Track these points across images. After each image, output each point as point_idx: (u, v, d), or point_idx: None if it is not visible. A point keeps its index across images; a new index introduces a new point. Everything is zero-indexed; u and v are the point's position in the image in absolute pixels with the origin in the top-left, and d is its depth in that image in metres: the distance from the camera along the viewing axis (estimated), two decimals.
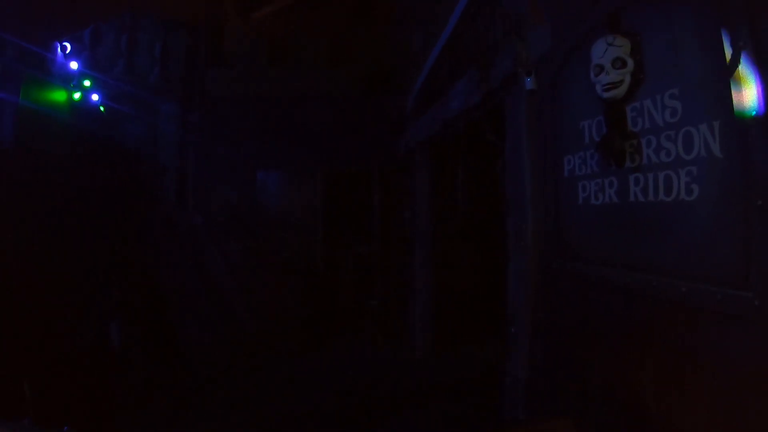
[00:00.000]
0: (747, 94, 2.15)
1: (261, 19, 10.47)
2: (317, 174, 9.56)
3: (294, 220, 9.45)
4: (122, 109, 8.72)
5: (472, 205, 7.61)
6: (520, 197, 4.05)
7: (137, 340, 6.50)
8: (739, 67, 2.18)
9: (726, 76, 2.24)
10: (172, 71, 9.52)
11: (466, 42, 5.70)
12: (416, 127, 7.54)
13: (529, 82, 3.95)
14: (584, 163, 3.39)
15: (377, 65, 9.87)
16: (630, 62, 2.87)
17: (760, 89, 2.11)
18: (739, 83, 2.19)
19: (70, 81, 6.11)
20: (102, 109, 7.17)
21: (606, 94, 3.02)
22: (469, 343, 8.02)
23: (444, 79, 6.15)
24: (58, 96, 5.90)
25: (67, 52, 6.21)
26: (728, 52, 2.23)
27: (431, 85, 6.76)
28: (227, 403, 6.27)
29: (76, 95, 6.33)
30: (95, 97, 6.97)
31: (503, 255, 4.57)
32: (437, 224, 7.80)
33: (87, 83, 6.65)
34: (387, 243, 9.44)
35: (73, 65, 6.25)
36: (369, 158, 9.59)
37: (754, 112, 2.12)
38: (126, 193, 8.09)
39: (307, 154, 9.52)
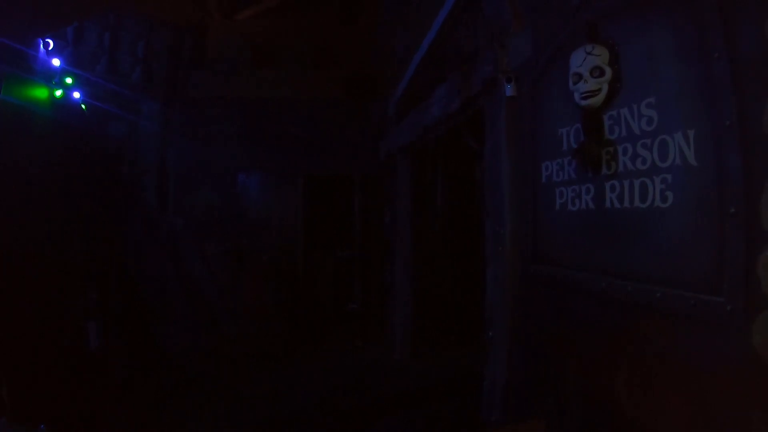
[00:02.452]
0: (720, 104, 2.20)
1: (245, 21, 10.44)
2: (299, 177, 9.55)
3: (275, 224, 9.43)
4: (104, 108, 8.63)
5: (452, 210, 7.65)
6: (498, 202, 4.08)
7: (116, 341, 6.45)
8: (713, 77, 2.23)
9: (701, 86, 2.30)
10: (155, 71, 9.46)
11: (447, 48, 5.75)
12: (398, 133, 7.57)
13: (509, 89, 3.99)
14: (562, 169, 3.43)
15: (361, 70, 9.90)
16: (608, 71, 2.91)
17: (732, 99, 2.16)
18: (713, 93, 2.24)
19: (52, 78, 6.02)
20: (84, 107, 7.08)
21: (584, 102, 3.07)
22: (449, 347, 8.07)
23: (425, 85, 6.18)
24: (40, 93, 5.82)
25: (50, 48, 6.12)
26: (702, 63, 2.28)
27: (413, 91, 6.80)
28: (204, 407, 6.23)
29: (58, 92, 6.23)
30: (76, 94, 6.88)
31: (482, 260, 4.60)
32: (417, 229, 7.83)
33: (69, 80, 6.56)
34: (367, 247, 9.47)
35: (56, 62, 6.15)
36: (351, 162, 9.61)
37: (727, 122, 2.17)
38: (107, 193, 8.03)
39: (289, 157, 9.51)
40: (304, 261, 9.46)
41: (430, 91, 5.76)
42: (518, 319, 3.97)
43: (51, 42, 6.12)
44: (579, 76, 3.11)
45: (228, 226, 9.16)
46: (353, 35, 10.22)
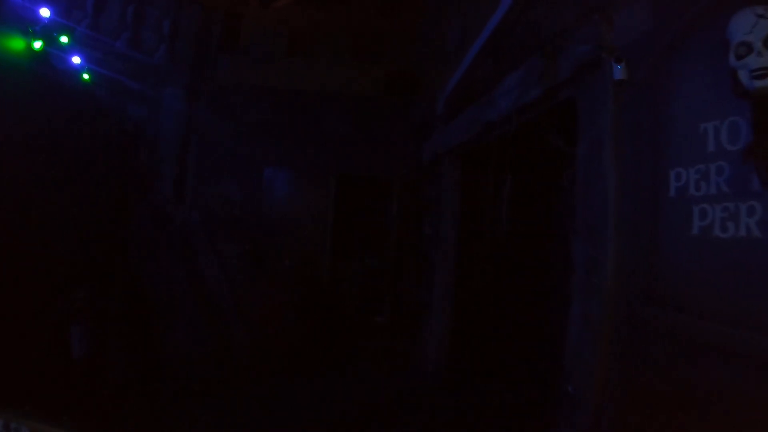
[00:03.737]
0: None
1: (282, 9, 9.60)
2: (330, 177, 8.65)
3: (301, 226, 8.51)
4: (123, 86, 7.88)
5: (514, 224, 6.63)
6: (597, 220, 3.11)
7: (111, 347, 5.62)
8: None
9: None
10: (180, 52, 8.67)
11: (519, 31, 4.78)
12: (446, 133, 6.63)
13: (619, 71, 3.03)
14: (705, 179, 2.46)
15: (403, 64, 8.99)
16: None
17: None
18: None
19: (31, 27, 5.06)
20: (87, 77, 6.22)
21: (758, 83, 2.12)
22: (491, 376, 7.06)
23: (486, 77, 5.23)
24: (13, 44, 4.88)
25: None
26: None
27: (468, 85, 5.85)
28: (204, 423, 5.37)
29: (37, 44, 5.24)
30: (77, 60, 6.00)
31: (551, 285, 3.65)
32: (465, 242, 6.87)
33: (64, 39, 5.66)
34: (401, 258, 8.52)
35: (44, 12, 5.21)
36: (388, 165, 8.69)
37: None
38: (115, 180, 7.24)
39: (320, 154, 8.62)
40: (330, 268, 8.54)
41: (494, 83, 4.82)
42: (614, 377, 3.00)
43: None
44: (748, 47, 2.18)
45: (248, 225, 8.27)
46: (395, 29, 9.30)
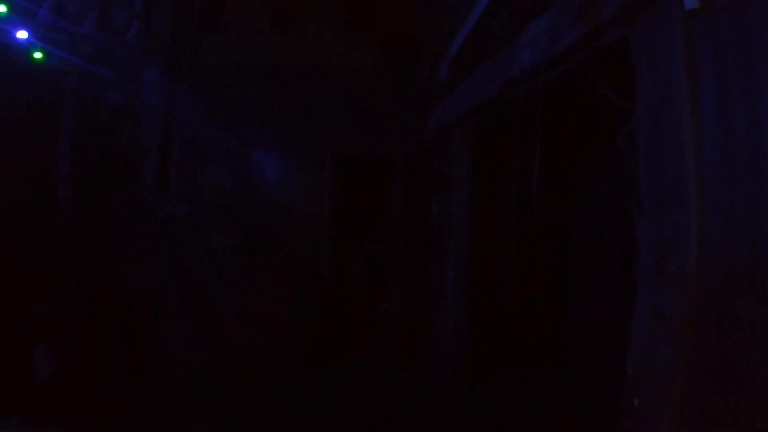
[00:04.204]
0: None
1: None
2: (326, 157, 7.93)
3: (297, 211, 7.82)
4: (93, 71, 7.17)
5: (547, 201, 5.92)
6: (670, 190, 2.42)
7: (86, 362, 4.99)
8: None
9: None
10: (157, 29, 7.91)
11: None
12: (454, 99, 5.92)
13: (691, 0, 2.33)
14: None
15: (403, 28, 8.26)
16: None
17: None
18: None
19: None
20: (39, 56, 5.48)
21: None
22: (514, 371, 6.45)
23: (502, 28, 4.50)
24: None
25: None
26: None
27: (478, 42, 5.11)
28: None
29: None
30: (22, 34, 5.26)
31: (597, 272, 2.98)
32: (480, 224, 6.20)
33: (1, 8, 4.92)
34: (409, 241, 7.84)
35: None
36: (389, 140, 7.97)
37: None
38: (89, 173, 6.56)
39: (315, 133, 7.91)
40: (332, 256, 7.85)
41: (513, 33, 4.10)
42: (698, 388, 2.34)
43: None
44: None
45: (240, 214, 7.58)
46: None
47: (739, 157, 2.12)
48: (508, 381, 6.31)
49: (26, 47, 5.35)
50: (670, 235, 2.39)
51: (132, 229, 6.77)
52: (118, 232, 6.70)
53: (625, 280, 2.88)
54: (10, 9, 4.87)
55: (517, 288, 6.37)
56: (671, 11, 2.43)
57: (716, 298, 2.22)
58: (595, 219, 5.93)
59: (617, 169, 3.18)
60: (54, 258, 5.28)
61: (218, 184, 7.60)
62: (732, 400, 2.18)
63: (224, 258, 7.07)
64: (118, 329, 5.86)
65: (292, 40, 8.32)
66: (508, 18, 4.39)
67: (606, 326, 5.45)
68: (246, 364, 6.57)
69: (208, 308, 6.78)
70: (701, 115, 2.29)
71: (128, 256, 6.55)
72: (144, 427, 5.01)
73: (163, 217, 7.11)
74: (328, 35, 8.34)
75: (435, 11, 7.08)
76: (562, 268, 6.27)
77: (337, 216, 7.93)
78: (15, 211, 4.59)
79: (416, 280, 7.56)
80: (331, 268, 7.77)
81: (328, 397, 6.04)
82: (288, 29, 8.43)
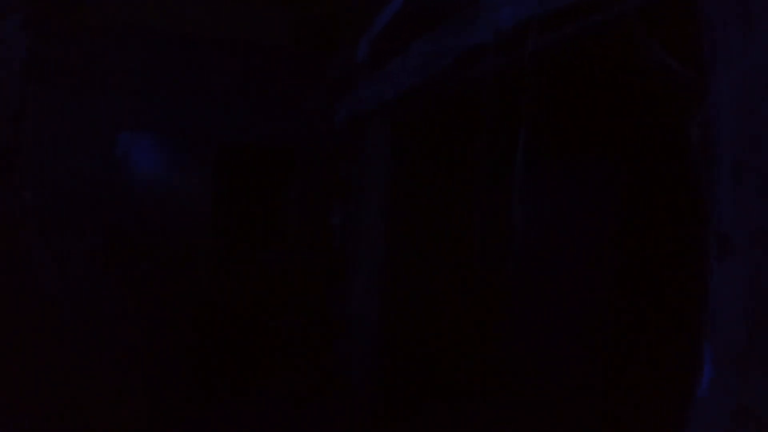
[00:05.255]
0: None
1: None
2: (212, 147, 6.59)
3: (172, 212, 6.40)
4: None
5: (492, 197, 4.86)
6: None
7: None
8: None
9: None
10: None
11: None
12: (376, 83, 4.83)
13: None
14: None
15: (321, 8, 7.09)
16: None
17: None
18: None
19: None
20: None
21: None
22: (445, 401, 5.46)
23: None
24: None
25: None
26: None
27: (421, 9, 4.03)
28: None
29: None
30: None
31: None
32: (400, 234, 5.15)
33: None
34: (306, 254, 6.67)
35: None
36: (290, 134, 6.79)
37: None
38: None
39: (201, 118, 6.56)
40: (215, 268, 6.48)
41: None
42: None
43: None
44: None
45: (99, 212, 6.09)
46: None
47: None
48: (437, 413, 5.32)
49: None
50: None
51: None
52: None
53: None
54: None
55: (449, 308, 5.38)
56: None
57: None
58: (549, 231, 5.05)
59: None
60: None
61: (76, 171, 6.05)
62: None
63: (78, 267, 5.58)
64: None
65: (191, 4, 6.97)
66: None
67: (555, 350, 4.61)
68: (97, 402, 5.13)
69: (55, 332, 5.27)
70: None
71: None
72: None
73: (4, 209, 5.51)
74: (234, 4, 7.07)
75: None
76: (505, 286, 5.34)
77: (222, 219, 6.58)
78: None
79: (318, 300, 6.42)
80: (215, 282, 6.41)
81: None
82: None
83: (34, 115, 6.23)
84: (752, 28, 1.58)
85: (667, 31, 2.01)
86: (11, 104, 6.18)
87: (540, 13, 2.39)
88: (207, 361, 5.84)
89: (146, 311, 5.66)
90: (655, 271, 3.60)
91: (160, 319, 5.67)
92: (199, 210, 6.51)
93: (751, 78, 1.58)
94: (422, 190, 5.06)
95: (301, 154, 6.80)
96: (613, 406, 4.06)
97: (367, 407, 5.30)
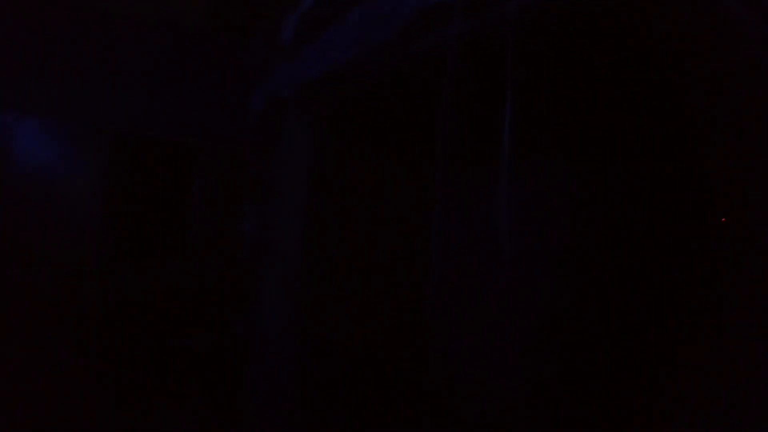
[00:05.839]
0: None
1: None
2: (106, 137, 5.68)
3: (58, 209, 5.42)
4: None
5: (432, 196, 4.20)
6: None
7: None
8: None
9: None
10: None
11: None
12: (301, 62, 4.15)
13: None
14: None
15: None
16: None
17: None
18: None
19: None
20: None
21: None
22: None
23: None
24: None
25: None
26: None
27: None
28: None
29: None
30: None
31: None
32: (319, 240, 4.48)
33: None
34: (212, 263, 5.86)
35: None
36: (197, 125, 5.98)
37: None
38: None
39: (96, 103, 5.65)
40: (105, 278, 5.55)
41: None
42: None
43: None
44: None
45: None
46: None
47: None
48: None
49: None
50: None
51: None
52: None
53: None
54: None
55: (377, 322, 4.74)
56: None
57: None
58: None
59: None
60: None
61: None
62: None
63: None
64: None
65: None
66: None
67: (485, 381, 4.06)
68: None
69: None
70: None
71: None
72: None
73: None
74: None
75: None
76: (435, 296, 4.77)
77: (115, 221, 5.67)
78: None
79: (226, 318, 5.62)
80: (102, 297, 5.47)
81: None
82: None
83: None
84: None
85: None
86: None
87: None
88: (95, 389, 4.92)
89: (22, 324, 4.66)
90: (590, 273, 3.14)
91: (39, 331, 4.69)
92: (88, 209, 5.57)
93: None
94: (349, 190, 4.40)
95: (208, 149, 6.00)
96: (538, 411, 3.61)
97: None
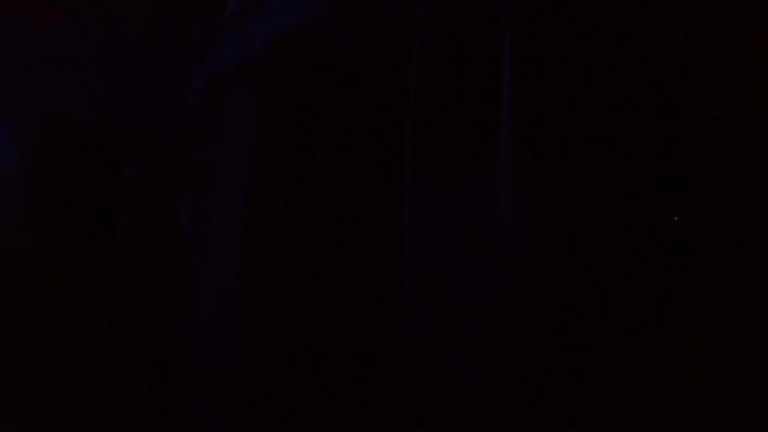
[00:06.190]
0: None
1: None
2: (32, 120, 5.20)
3: None
4: None
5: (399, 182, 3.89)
6: None
7: None
8: None
9: None
10: None
11: None
12: (245, 33, 3.81)
13: None
14: None
15: None
16: None
17: None
18: None
19: None
20: None
21: None
22: None
23: None
24: None
25: None
26: None
27: None
28: None
29: None
30: None
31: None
32: (265, 234, 4.14)
33: None
34: (147, 262, 5.47)
35: None
36: (131, 105, 5.56)
37: None
38: None
39: (19, 79, 5.18)
40: (31, 274, 5.06)
41: None
42: None
43: None
44: None
45: None
46: None
47: None
48: None
49: None
50: None
51: None
52: None
53: None
54: None
55: (332, 327, 4.45)
56: None
57: None
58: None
59: None
60: None
61: None
62: None
63: None
64: None
65: None
66: None
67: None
68: None
69: None
70: None
71: None
72: None
73: None
74: None
75: None
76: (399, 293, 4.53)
77: (42, 213, 5.18)
78: None
79: (163, 320, 5.24)
80: (29, 297, 4.98)
81: None
82: None
83: None
84: None
85: None
86: None
87: None
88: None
89: None
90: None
91: None
92: (11, 198, 5.09)
93: None
94: (299, 178, 4.08)
95: (139, 134, 5.58)
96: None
97: None
